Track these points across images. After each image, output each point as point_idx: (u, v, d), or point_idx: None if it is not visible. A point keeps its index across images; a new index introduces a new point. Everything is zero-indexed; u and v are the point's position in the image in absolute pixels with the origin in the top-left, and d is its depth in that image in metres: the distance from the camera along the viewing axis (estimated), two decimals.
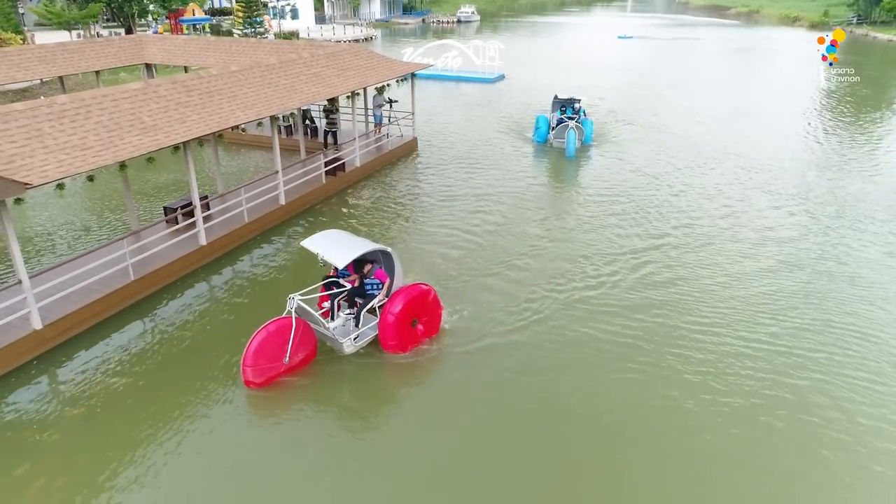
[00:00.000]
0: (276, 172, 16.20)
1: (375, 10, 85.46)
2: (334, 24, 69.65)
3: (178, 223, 14.50)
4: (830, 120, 29.61)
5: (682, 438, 9.04)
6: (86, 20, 35.76)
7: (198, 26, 54.68)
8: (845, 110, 31.60)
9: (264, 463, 8.56)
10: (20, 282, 10.20)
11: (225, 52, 22.48)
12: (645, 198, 18.41)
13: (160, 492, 8.09)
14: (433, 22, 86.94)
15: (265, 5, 47.43)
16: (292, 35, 56.96)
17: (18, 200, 9.85)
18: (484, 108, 30.84)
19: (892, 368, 10.58)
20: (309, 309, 9.98)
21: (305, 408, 9.74)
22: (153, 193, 18.55)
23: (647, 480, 8.34)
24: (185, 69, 24.50)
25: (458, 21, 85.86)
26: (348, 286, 10.76)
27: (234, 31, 53.77)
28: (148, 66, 24.68)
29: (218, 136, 15.75)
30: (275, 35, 53.84)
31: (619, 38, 66.13)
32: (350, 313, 10.83)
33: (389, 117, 23.29)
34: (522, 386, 10.19)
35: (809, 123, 28.46)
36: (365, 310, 10.68)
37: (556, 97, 25.07)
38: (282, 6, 63.33)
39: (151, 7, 44.01)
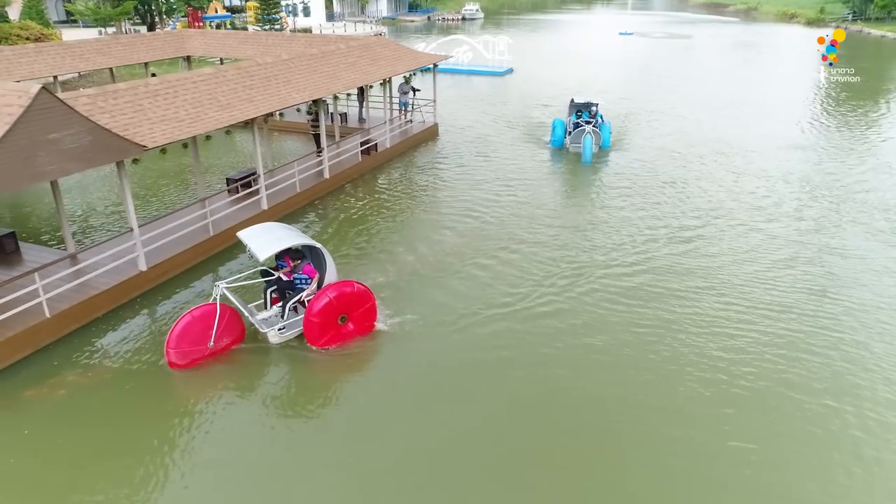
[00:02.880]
0: (322, 150, 18.29)
1: (382, 7, 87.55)
2: (345, 21, 71.76)
3: (238, 192, 16.60)
4: (830, 111, 31.56)
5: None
6: (119, 17, 37.81)
7: (215, 23, 56.70)
8: (843, 102, 33.31)
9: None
10: (131, 229, 12.30)
11: (262, 45, 24.54)
12: (664, 198, 18.53)
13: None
14: (439, 19, 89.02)
15: (277, 3, 49.39)
16: (306, 32, 59.03)
17: (135, 161, 11.90)
18: (495, 100, 32.93)
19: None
20: (232, 297, 10.41)
21: (231, 394, 10.02)
22: (207, 170, 20.60)
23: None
24: (221, 61, 26.64)
25: (463, 18, 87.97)
26: (282, 277, 10.99)
27: (250, 27, 55.82)
28: (187, 58, 26.78)
29: (280, 116, 17.59)
30: (290, 32, 55.89)
31: (621, 34, 68.16)
32: (279, 306, 11.08)
33: (412, 104, 25.36)
34: (465, 377, 10.42)
35: (825, 112, 30.60)
36: (290, 303, 10.85)
37: (572, 100, 24.27)
38: (294, 3, 65.49)
39: (176, 6, 46.05)
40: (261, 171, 15.70)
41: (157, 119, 12.70)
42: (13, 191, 10.14)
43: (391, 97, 25.33)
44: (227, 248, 14.78)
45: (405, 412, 9.72)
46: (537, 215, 17.18)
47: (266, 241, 10.57)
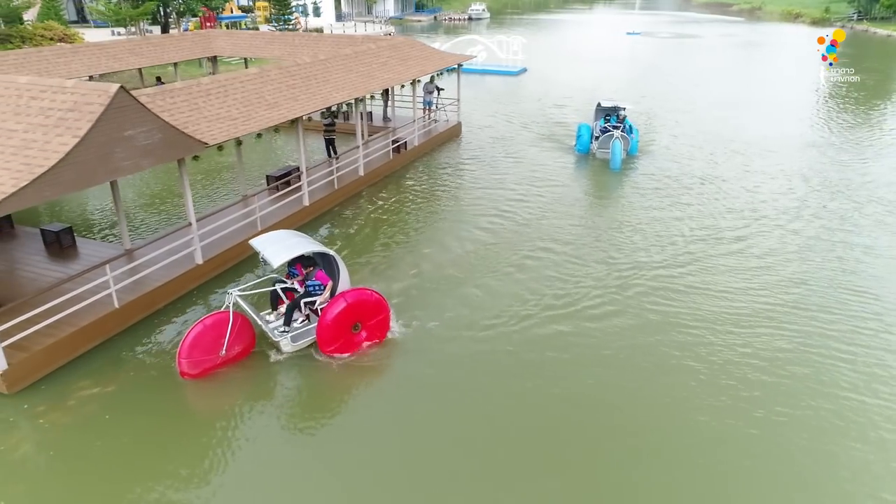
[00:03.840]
0: (357, 147, 18.74)
1: (389, 7, 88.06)
2: (354, 21, 72.23)
3: (278, 190, 17.00)
4: (841, 109, 32.11)
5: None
6: (139, 17, 38.21)
7: (226, 24, 57.08)
8: (853, 101, 33.81)
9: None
10: (190, 224, 12.70)
11: (289, 45, 24.92)
12: (696, 200, 18.55)
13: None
14: (445, 19, 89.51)
15: (288, 4, 49.79)
16: (317, 31, 59.45)
17: (195, 157, 12.30)
18: (511, 100, 33.36)
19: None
20: (244, 305, 10.45)
21: (243, 404, 9.91)
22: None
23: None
24: (246, 62, 27.07)
25: (470, 18, 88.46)
26: (296, 287, 10.93)
27: (261, 27, 56.19)
28: (212, 59, 27.18)
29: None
30: (302, 31, 56.28)
31: (628, 34, 68.64)
32: (280, 313, 10.97)
33: (436, 104, 25.78)
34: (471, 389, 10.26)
35: (837, 110, 31.25)
36: (303, 311, 10.76)
37: (599, 105, 23.52)
38: (305, 3, 65.98)
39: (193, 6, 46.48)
40: (304, 168, 16.11)
41: (213, 117, 13.11)
42: (89, 187, 10.49)
43: (417, 96, 25.80)
44: None
45: (417, 422, 9.59)
46: (568, 220, 17.05)
47: (279, 248, 10.45)
